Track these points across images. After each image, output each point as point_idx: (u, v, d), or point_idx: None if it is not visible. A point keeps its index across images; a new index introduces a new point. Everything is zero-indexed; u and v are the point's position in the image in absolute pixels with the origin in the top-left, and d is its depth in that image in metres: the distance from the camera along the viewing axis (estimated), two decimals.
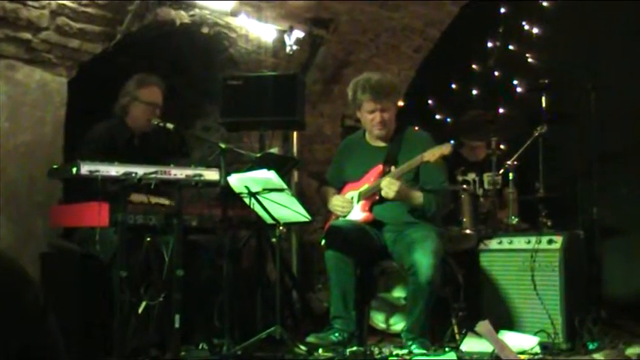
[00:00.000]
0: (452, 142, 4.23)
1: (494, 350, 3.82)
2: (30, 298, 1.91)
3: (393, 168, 4.34)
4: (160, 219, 3.92)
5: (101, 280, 4.05)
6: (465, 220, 4.89)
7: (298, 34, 5.77)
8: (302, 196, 5.57)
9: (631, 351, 4.29)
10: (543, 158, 5.16)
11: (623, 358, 4.19)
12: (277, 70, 5.80)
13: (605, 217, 5.37)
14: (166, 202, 4.03)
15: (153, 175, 3.62)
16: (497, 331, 4.02)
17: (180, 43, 5.54)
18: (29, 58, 4.49)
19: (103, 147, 4.29)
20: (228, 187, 3.99)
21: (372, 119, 4.47)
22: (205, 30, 5.44)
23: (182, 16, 5.19)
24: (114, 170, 3.57)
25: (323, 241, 4.41)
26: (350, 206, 4.49)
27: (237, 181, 4.00)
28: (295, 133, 6.13)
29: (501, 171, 5.13)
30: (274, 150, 5.18)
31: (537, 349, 4.15)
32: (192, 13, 5.28)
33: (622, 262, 5.90)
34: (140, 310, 3.79)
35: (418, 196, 4.32)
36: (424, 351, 4.02)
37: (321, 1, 5.89)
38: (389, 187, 4.22)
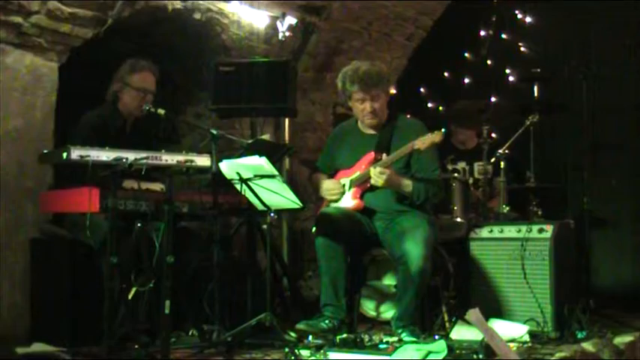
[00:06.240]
0: (443, 130, 4.22)
1: (483, 338, 3.82)
2: None
3: (384, 155, 4.33)
4: (151, 205, 3.90)
5: (91, 266, 4.05)
6: (455, 208, 4.90)
7: (291, 20, 5.75)
8: (293, 184, 5.56)
9: (619, 340, 4.33)
10: (534, 148, 5.16)
11: (611, 347, 4.21)
12: (269, 57, 5.78)
13: (595, 207, 5.39)
14: (157, 188, 4.02)
15: (144, 161, 3.59)
16: (486, 320, 4.02)
17: (172, 29, 5.51)
18: (20, 42, 4.45)
19: (95, 134, 4.25)
20: (219, 174, 3.98)
21: (362, 109, 4.46)
22: (197, 16, 5.40)
23: (174, 2, 5.16)
24: (104, 155, 3.55)
25: (314, 229, 4.41)
26: (340, 190, 4.49)
27: (229, 167, 3.99)
28: (287, 121, 6.12)
29: (492, 160, 5.14)
30: (265, 137, 5.16)
31: (526, 338, 4.17)
32: None
33: (611, 252, 5.94)
34: (130, 297, 3.78)
35: (407, 185, 4.32)
36: (414, 338, 4.03)
37: None
38: (378, 175, 4.22)
